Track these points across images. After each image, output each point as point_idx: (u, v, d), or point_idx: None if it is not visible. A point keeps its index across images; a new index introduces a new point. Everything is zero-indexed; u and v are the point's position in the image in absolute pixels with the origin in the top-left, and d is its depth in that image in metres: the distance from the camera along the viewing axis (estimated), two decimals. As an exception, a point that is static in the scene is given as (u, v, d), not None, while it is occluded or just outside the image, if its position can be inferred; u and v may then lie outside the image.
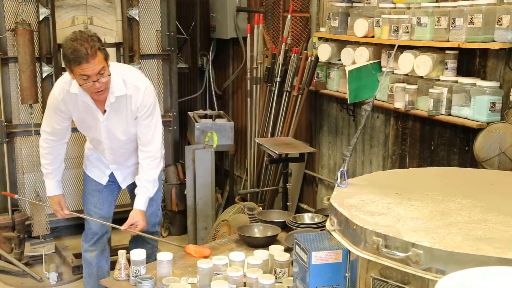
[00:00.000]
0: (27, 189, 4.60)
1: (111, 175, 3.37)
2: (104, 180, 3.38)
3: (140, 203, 3.14)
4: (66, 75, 3.03)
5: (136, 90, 3.03)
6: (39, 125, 4.51)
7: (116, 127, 3.11)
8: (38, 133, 4.49)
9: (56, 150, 3.27)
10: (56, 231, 4.76)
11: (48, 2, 4.47)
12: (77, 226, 4.93)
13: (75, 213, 3.41)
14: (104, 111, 3.06)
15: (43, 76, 4.55)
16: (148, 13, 4.93)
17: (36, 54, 4.47)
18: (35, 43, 4.47)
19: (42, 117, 4.53)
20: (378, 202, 2.08)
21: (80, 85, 2.88)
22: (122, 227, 3.14)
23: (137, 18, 4.79)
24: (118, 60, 4.84)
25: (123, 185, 3.41)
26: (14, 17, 4.41)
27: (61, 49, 3.15)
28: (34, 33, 4.45)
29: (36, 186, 4.58)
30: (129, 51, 4.82)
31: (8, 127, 4.52)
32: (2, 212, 4.44)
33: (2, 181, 4.51)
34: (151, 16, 4.96)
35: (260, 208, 3.86)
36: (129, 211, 3.19)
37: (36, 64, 4.47)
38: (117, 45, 4.84)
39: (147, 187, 3.16)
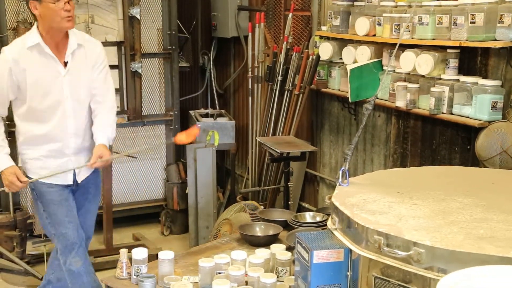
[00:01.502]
0: (29, 188, 4.60)
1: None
2: (69, 179, 3.09)
3: (103, 139, 3.01)
4: (14, 43, 2.99)
5: (93, 43, 3.10)
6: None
7: (78, 82, 3.01)
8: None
9: None
10: (58, 229, 4.76)
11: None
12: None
13: (33, 178, 3.01)
14: (65, 64, 2.97)
15: (45, 75, 4.54)
16: (149, 12, 4.93)
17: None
18: (37, 42, 4.47)
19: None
20: (380, 201, 2.08)
21: (52, 14, 2.82)
22: (91, 162, 2.97)
23: (138, 16, 4.79)
24: (120, 59, 4.85)
25: (79, 178, 3.13)
26: (15, 16, 4.41)
27: None
28: (36, 32, 4.45)
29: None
30: (130, 50, 4.82)
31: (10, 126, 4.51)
32: (4, 210, 4.45)
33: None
34: (152, 14, 4.96)
35: (262, 207, 3.86)
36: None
37: (38, 63, 4.48)
38: (118, 44, 4.84)
39: (107, 132, 3.05)
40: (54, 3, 2.82)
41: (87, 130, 3.11)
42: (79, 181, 3.14)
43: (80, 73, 3.01)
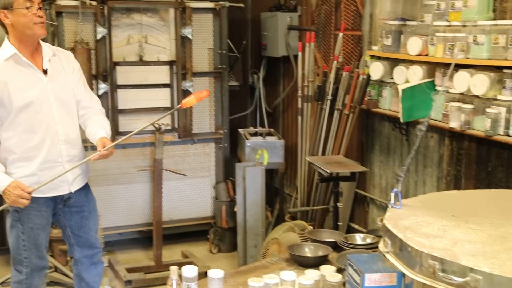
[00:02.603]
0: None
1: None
2: (65, 188, 3.03)
3: (103, 133, 3.01)
4: None
5: (65, 52, 3.14)
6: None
7: (61, 87, 3.00)
8: (93, 149, 4.64)
9: None
10: (110, 245, 4.86)
11: (106, 21, 4.62)
12: (130, 240, 5.03)
13: (39, 186, 2.89)
14: (44, 72, 2.95)
15: (99, 93, 4.68)
16: (200, 32, 5.02)
17: (93, 71, 4.61)
18: (92, 61, 4.61)
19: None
20: (434, 224, 2.03)
21: (23, 19, 2.81)
22: (99, 153, 2.89)
23: (190, 36, 4.89)
24: (171, 78, 4.95)
25: (73, 188, 3.07)
26: (74, 36, 4.56)
27: None
28: (92, 51, 4.60)
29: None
30: (181, 69, 4.91)
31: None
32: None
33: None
34: (203, 34, 5.04)
35: (310, 227, 3.83)
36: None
37: (93, 81, 4.62)
38: (170, 63, 4.94)
39: (105, 128, 3.06)
40: (27, 9, 2.82)
41: (77, 138, 3.10)
42: (72, 191, 3.08)
43: (61, 79, 3.01)
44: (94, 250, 3.29)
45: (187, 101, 2.99)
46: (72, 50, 4.54)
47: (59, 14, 4.52)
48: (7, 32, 2.93)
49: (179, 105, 3.04)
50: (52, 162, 2.99)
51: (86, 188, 3.21)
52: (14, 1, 2.82)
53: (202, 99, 2.94)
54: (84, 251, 3.25)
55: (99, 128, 3.05)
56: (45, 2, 4.57)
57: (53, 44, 4.52)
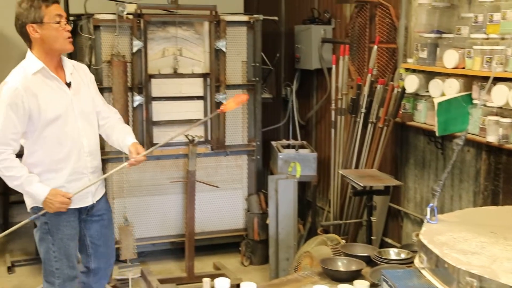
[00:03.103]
0: (116, 214, 4.78)
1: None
2: (89, 200, 3.12)
3: (133, 139, 3.14)
4: (15, 73, 2.93)
5: (81, 65, 3.22)
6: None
7: (83, 100, 3.07)
8: (128, 159, 4.70)
9: (16, 158, 2.96)
10: (142, 255, 4.90)
11: (141, 34, 4.70)
12: (162, 251, 5.07)
13: (78, 191, 3.00)
14: (67, 85, 3.01)
15: (135, 105, 4.75)
16: (234, 45, 5.06)
17: (128, 84, 4.69)
18: (128, 74, 4.69)
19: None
20: (471, 240, 1.99)
21: (54, 33, 2.87)
22: (136, 158, 3.01)
23: (224, 49, 4.93)
24: (205, 91, 4.99)
25: (95, 198, 3.15)
26: (110, 49, 4.65)
27: (19, 10, 2.88)
28: (128, 64, 4.68)
29: (124, 211, 4.75)
30: (215, 82, 4.95)
31: (101, 154, 4.72)
32: (93, 235, 4.62)
33: (94, 205, 4.70)
34: (237, 47, 5.08)
35: (343, 240, 3.80)
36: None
37: (128, 93, 4.69)
38: (204, 76, 4.99)
39: (132, 134, 3.19)
40: (58, 23, 2.87)
41: (98, 150, 3.19)
42: (94, 202, 3.14)
43: (82, 92, 3.08)
44: (110, 261, 3.34)
45: (227, 106, 3.01)
46: (109, 63, 4.63)
47: (96, 27, 4.61)
48: (30, 46, 2.96)
49: (219, 109, 3.06)
50: (79, 173, 3.05)
51: (105, 197, 3.29)
52: (45, 15, 2.85)
53: (241, 104, 2.95)
54: (101, 262, 3.28)
55: (127, 135, 3.15)
56: (83, 16, 4.69)
57: (90, 58, 4.63)
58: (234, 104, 3.01)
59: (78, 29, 4.71)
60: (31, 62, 2.93)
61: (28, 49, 2.96)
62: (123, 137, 3.14)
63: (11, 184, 2.94)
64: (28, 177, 2.93)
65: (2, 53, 5.78)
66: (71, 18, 4.68)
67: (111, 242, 3.35)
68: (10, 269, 4.82)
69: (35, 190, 2.94)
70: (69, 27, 2.95)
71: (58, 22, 2.88)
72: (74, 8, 4.63)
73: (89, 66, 4.57)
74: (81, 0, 4.69)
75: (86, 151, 3.07)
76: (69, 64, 3.07)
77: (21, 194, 3.01)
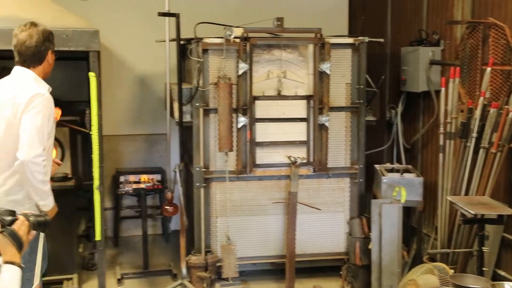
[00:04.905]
0: (219, 232, 4.87)
1: None
2: None
3: None
4: (41, 85, 3.21)
5: None
6: (233, 172, 4.85)
7: None
8: (231, 179, 4.80)
9: None
10: (243, 274, 4.95)
11: (247, 57, 4.80)
12: (263, 271, 5.09)
13: None
14: None
15: (239, 126, 4.85)
16: (339, 67, 5.04)
17: (233, 105, 4.79)
18: (234, 96, 4.80)
19: (236, 164, 4.85)
20: None
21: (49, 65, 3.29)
22: None
23: (328, 71, 4.93)
24: (308, 113, 4.99)
25: None
26: (217, 72, 4.79)
27: (48, 34, 3.27)
28: (233, 86, 4.79)
29: (227, 229, 4.84)
30: (318, 104, 4.95)
31: (205, 173, 4.87)
32: (197, 252, 4.74)
33: (198, 223, 4.83)
34: (341, 69, 5.06)
35: (452, 270, 3.63)
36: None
37: (233, 114, 4.79)
38: (307, 98, 5.00)
39: None
40: (53, 54, 3.32)
41: None
42: None
43: None
44: None
45: None
46: (215, 85, 4.77)
47: (205, 51, 4.77)
48: (34, 66, 3.22)
49: None
50: None
51: None
52: (53, 52, 3.32)
53: None
54: None
55: None
56: (193, 40, 4.88)
57: (198, 80, 4.79)
58: None
59: (187, 53, 4.90)
60: (43, 83, 3.26)
61: (28, 68, 3.22)
62: None
63: (42, 187, 3.15)
64: None
65: (114, 73, 6.13)
66: (181, 42, 4.87)
67: None
68: (119, 281, 5.03)
69: (52, 195, 3.26)
70: None
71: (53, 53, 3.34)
72: (184, 33, 4.82)
73: (196, 88, 4.76)
74: (190, 24, 4.88)
75: None
76: None
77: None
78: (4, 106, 3.13)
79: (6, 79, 3.28)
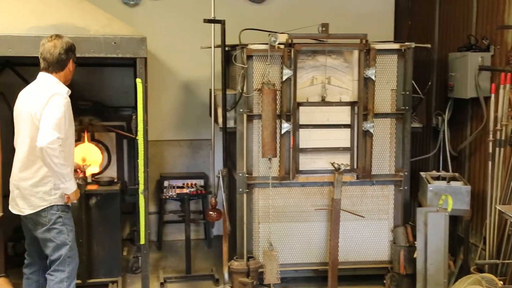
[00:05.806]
0: (261, 238, 4.87)
1: None
2: None
3: None
4: (60, 87, 3.73)
5: None
6: (276, 178, 4.84)
7: None
8: (274, 185, 4.79)
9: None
10: (285, 281, 4.93)
11: (291, 63, 4.79)
12: (305, 278, 5.06)
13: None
14: None
15: (282, 132, 4.84)
16: (384, 73, 4.98)
17: (277, 111, 4.79)
18: (277, 102, 4.80)
19: (279, 170, 4.84)
20: None
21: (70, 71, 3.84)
22: None
23: (373, 78, 4.87)
24: (352, 119, 4.95)
25: None
26: (261, 77, 4.80)
27: (70, 45, 3.79)
28: (277, 92, 4.79)
29: (269, 235, 4.83)
30: (363, 110, 4.90)
31: (248, 179, 4.87)
32: (239, 258, 4.75)
33: (240, 228, 4.84)
34: (387, 75, 4.99)
35: (501, 282, 3.52)
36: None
37: (277, 120, 4.79)
38: (352, 104, 4.95)
39: None
40: (74, 63, 3.85)
41: None
42: None
43: None
44: None
45: None
46: (259, 90, 4.78)
47: (249, 57, 4.79)
48: (55, 71, 3.73)
49: None
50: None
51: None
52: (73, 60, 3.84)
53: None
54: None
55: None
56: (237, 46, 4.91)
57: (242, 86, 4.81)
58: None
59: (232, 59, 4.93)
60: (63, 85, 3.75)
61: (51, 74, 3.74)
62: None
63: (60, 170, 3.55)
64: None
65: (160, 79, 6.22)
66: (226, 48, 4.91)
67: None
68: (162, 285, 5.09)
69: (73, 179, 3.70)
70: None
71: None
72: (229, 39, 4.86)
73: (240, 94, 4.78)
74: (235, 31, 4.91)
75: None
76: None
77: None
78: (31, 106, 3.65)
79: (33, 83, 3.81)
